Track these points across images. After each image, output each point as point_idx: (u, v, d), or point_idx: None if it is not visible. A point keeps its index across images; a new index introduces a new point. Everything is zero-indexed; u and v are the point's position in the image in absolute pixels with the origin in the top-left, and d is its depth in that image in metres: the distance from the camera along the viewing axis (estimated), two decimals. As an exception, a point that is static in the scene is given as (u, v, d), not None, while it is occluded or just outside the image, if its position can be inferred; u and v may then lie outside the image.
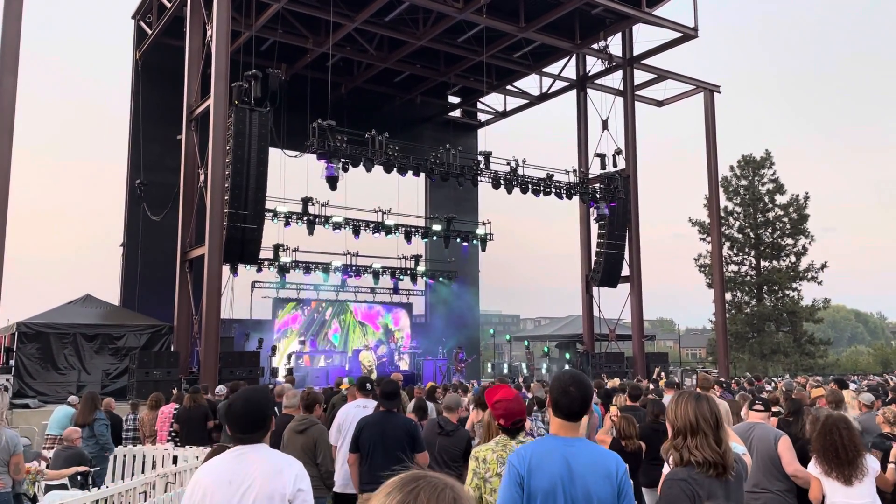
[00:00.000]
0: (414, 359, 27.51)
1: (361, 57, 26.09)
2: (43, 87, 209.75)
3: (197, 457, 8.20)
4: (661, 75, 27.87)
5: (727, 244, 40.39)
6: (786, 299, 40.44)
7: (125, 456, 8.91)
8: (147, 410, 10.94)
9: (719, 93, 28.64)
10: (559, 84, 29.59)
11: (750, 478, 5.20)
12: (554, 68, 28.87)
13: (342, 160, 19.51)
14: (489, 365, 38.86)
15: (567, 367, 25.64)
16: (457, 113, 33.27)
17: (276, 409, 6.19)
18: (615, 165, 25.80)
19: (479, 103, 32.89)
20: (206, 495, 2.91)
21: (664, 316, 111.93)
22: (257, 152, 17.56)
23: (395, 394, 6.07)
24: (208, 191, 17.22)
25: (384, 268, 29.13)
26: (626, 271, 26.20)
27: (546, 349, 31.89)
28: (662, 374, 18.80)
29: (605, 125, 26.58)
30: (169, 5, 21.71)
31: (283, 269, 26.42)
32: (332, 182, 19.79)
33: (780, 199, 41.33)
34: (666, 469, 3.23)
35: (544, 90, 30.23)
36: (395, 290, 30.35)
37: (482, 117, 33.88)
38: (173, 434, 9.86)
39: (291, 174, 22.62)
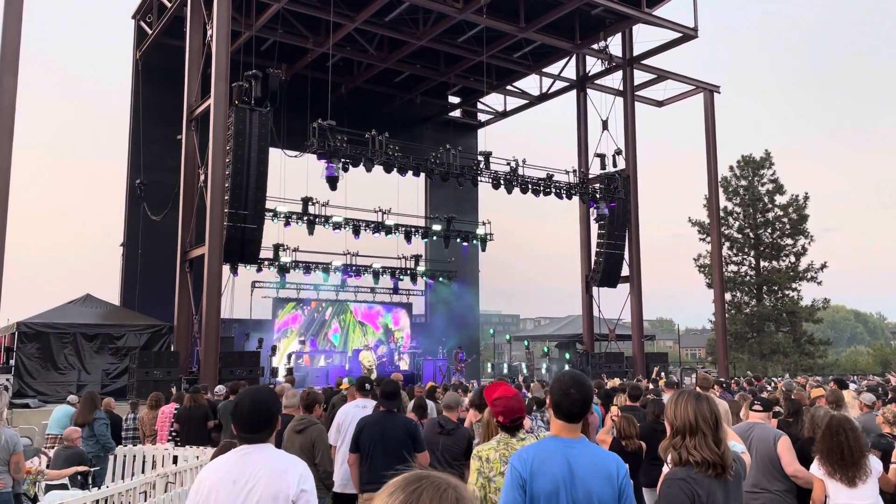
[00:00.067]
0: (414, 359, 27.52)
1: (361, 57, 26.09)
2: (43, 87, 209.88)
3: (197, 457, 8.20)
4: (661, 75, 27.88)
5: (727, 244, 40.41)
6: (785, 299, 40.45)
7: (125, 456, 8.91)
8: (147, 410, 10.94)
9: (719, 93, 28.66)
10: (559, 84, 29.61)
11: (749, 478, 5.21)
12: (554, 68, 28.89)
13: (342, 160, 19.51)
14: (489, 365, 38.86)
15: (567, 367, 25.65)
16: (457, 113, 33.27)
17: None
18: (615, 165, 25.81)
19: (479, 103, 32.90)
20: (211, 494, 2.92)
21: (664, 316, 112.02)
22: (257, 152, 17.56)
23: (395, 394, 6.08)
24: (208, 191, 17.22)
25: (384, 268, 29.14)
26: (625, 271, 26.22)
27: (546, 349, 31.91)
28: (662, 374, 18.80)
29: (604, 125, 26.60)
30: (169, 5, 21.71)
31: (283, 269, 26.43)
32: (332, 182, 19.80)
33: (780, 200, 41.37)
34: (665, 468, 3.23)
35: (544, 90, 30.24)
36: (395, 290, 30.36)
37: (482, 117, 33.89)
38: (174, 434, 9.87)
39: (291, 174, 22.66)
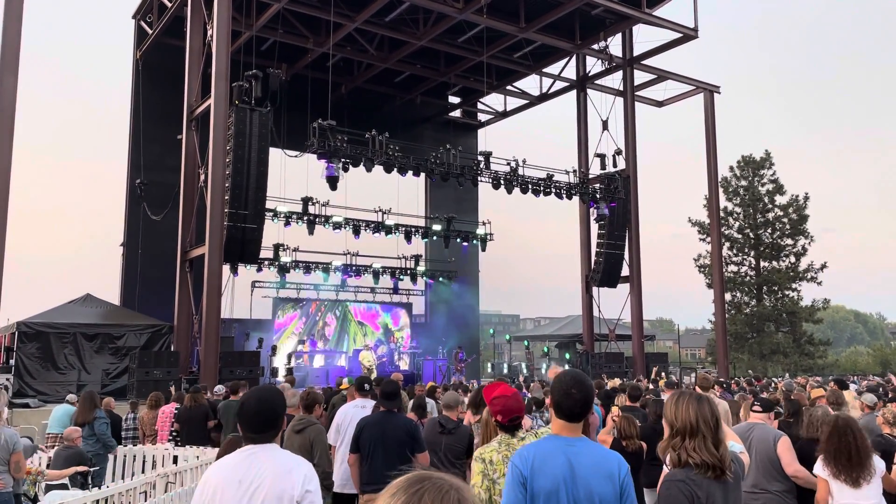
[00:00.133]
0: (414, 359, 27.52)
1: (362, 57, 26.09)
2: (43, 87, 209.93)
3: (197, 456, 8.20)
4: (661, 76, 27.89)
5: (727, 244, 40.40)
6: (785, 300, 40.44)
7: (125, 456, 8.92)
8: (146, 410, 10.95)
9: (719, 93, 28.66)
10: (559, 84, 29.61)
11: (749, 478, 5.21)
12: (554, 68, 28.89)
13: (342, 160, 19.52)
14: (489, 365, 38.86)
15: (567, 367, 25.64)
16: (457, 113, 33.27)
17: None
18: (615, 166, 25.81)
19: (479, 103, 32.90)
20: (217, 494, 2.92)
21: (664, 316, 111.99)
22: (258, 152, 17.56)
23: (395, 394, 6.08)
24: (208, 190, 17.22)
25: (384, 268, 29.14)
26: (625, 271, 26.22)
27: (546, 349, 31.91)
28: (662, 373, 18.80)
29: (605, 125, 26.60)
30: (169, 5, 21.71)
31: (283, 269, 26.44)
32: (333, 182, 19.80)
33: (780, 200, 41.34)
34: (664, 469, 3.23)
35: (544, 90, 30.24)
36: (395, 290, 30.37)
37: (482, 117, 33.89)
38: (174, 434, 9.87)
39: (292, 174, 22.65)
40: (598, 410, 8.67)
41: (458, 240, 27.88)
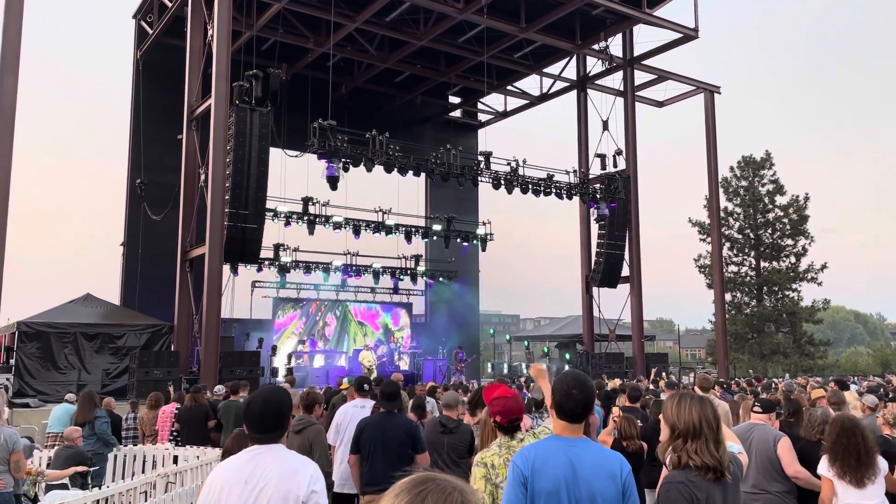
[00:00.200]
0: (414, 359, 27.52)
1: (362, 57, 26.10)
2: (44, 87, 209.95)
3: (197, 456, 8.20)
4: (662, 76, 27.89)
5: (727, 245, 40.38)
6: (785, 300, 40.43)
7: (125, 455, 8.92)
8: (146, 410, 10.94)
9: (719, 93, 28.65)
10: (560, 84, 29.61)
11: (749, 478, 5.21)
12: (554, 69, 28.89)
13: (342, 160, 19.52)
14: (489, 365, 38.89)
15: (567, 367, 25.65)
16: (457, 113, 33.28)
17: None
18: (615, 166, 25.80)
19: (479, 103, 32.90)
20: (223, 494, 2.92)
21: (664, 316, 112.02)
22: (258, 152, 17.56)
23: (395, 395, 6.08)
24: (209, 190, 17.22)
25: (384, 268, 29.14)
26: (626, 271, 26.22)
27: (546, 349, 31.90)
28: (663, 373, 18.79)
29: (605, 125, 26.59)
30: (170, 5, 21.71)
31: (283, 269, 26.44)
32: (333, 182, 19.81)
33: (780, 200, 41.33)
34: (664, 471, 3.23)
35: (545, 90, 30.25)
36: (396, 290, 30.37)
37: (482, 117, 33.89)
38: (175, 434, 9.87)
39: (292, 174, 22.66)
40: (598, 411, 8.67)
41: (459, 240, 27.88)
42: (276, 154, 19.09)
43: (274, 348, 24.53)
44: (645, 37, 35.22)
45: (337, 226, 24.81)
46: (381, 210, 26.06)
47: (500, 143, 50.06)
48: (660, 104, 30.09)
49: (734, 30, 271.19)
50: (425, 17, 23.46)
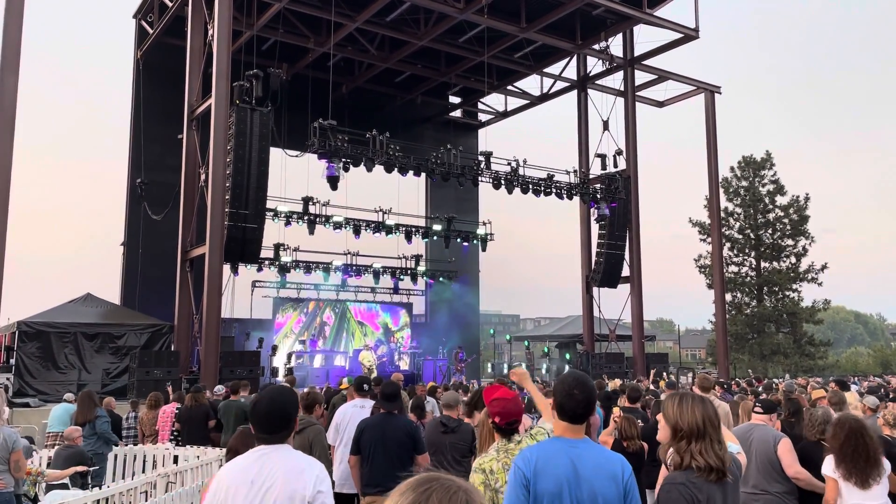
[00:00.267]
0: (414, 359, 27.52)
1: (362, 57, 26.10)
2: (44, 87, 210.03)
3: (198, 456, 8.20)
4: (662, 76, 27.89)
5: (727, 245, 40.38)
6: (786, 300, 40.43)
7: (126, 455, 8.92)
8: (146, 410, 10.95)
9: (720, 93, 28.64)
10: (560, 84, 29.61)
11: (749, 479, 5.21)
12: (555, 69, 28.89)
13: (343, 160, 19.52)
14: (489, 365, 38.88)
15: (567, 367, 25.65)
16: (457, 113, 33.28)
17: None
18: (616, 166, 25.79)
19: (479, 103, 32.90)
20: (229, 494, 2.93)
21: (664, 316, 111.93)
22: (258, 152, 17.56)
23: (395, 395, 6.07)
24: (209, 190, 17.22)
25: (384, 267, 29.15)
26: (626, 272, 26.21)
27: (546, 349, 31.89)
28: (664, 374, 18.78)
29: (605, 126, 26.59)
30: (170, 5, 21.72)
31: (283, 269, 26.45)
32: (333, 182, 19.81)
33: (781, 200, 41.33)
34: (664, 471, 3.22)
35: (545, 90, 30.25)
36: (396, 290, 30.38)
37: (483, 117, 33.89)
38: (175, 434, 9.88)
39: (292, 174, 22.67)
40: (598, 411, 8.67)
41: (459, 240, 27.89)
42: (276, 154, 19.11)
43: (274, 348, 24.54)
44: (645, 37, 35.21)
45: (337, 226, 24.82)
46: (381, 210, 26.07)
47: (500, 143, 50.05)
48: (660, 104, 30.09)
49: (734, 30, 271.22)
50: (426, 17, 23.46)
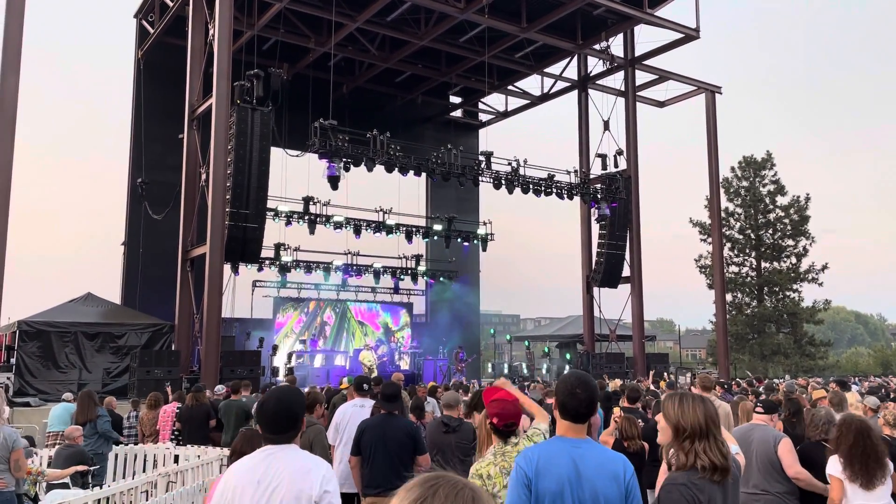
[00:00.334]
0: (414, 358, 27.53)
1: (363, 57, 26.10)
2: (45, 86, 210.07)
3: (198, 456, 8.21)
4: (663, 76, 27.88)
5: (728, 245, 40.35)
6: (786, 300, 40.40)
7: (126, 455, 8.92)
8: (146, 410, 10.95)
9: (720, 94, 28.64)
10: (561, 84, 29.61)
11: (749, 479, 5.21)
12: (555, 69, 28.89)
13: (343, 160, 19.52)
14: (490, 365, 38.85)
15: (567, 367, 25.67)
16: (458, 113, 33.28)
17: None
18: (616, 166, 25.79)
19: (480, 103, 32.90)
20: (236, 494, 2.94)
21: (664, 316, 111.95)
22: (259, 151, 17.57)
23: (395, 396, 6.08)
24: (210, 190, 17.23)
25: (385, 267, 29.15)
26: (626, 272, 26.21)
27: (546, 349, 31.90)
28: (664, 374, 18.78)
29: (606, 126, 26.59)
30: (171, 4, 21.72)
31: (284, 269, 26.45)
32: (334, 181, 19.81)
33: (781, 201, 41.28)
34: (663, 471, 3.21)
35: (546, 90, 30.24)
36: (396, 290, 30.38)
37: (483, 117, 33.89)
38: (176, 433, 9.89)
39: (293, 173, 22.69)
40: (598, 411, 8.67)
41: (459, 240, 27.89)
42: (276, 154, 19.12)
43: (275, 348, 24.55)
44: (646, 37, 35.14)
45: (338, 225, 24.83)
46: (381, 210, 26.07)
47: (500, 142, 50.16)
48: (661, 104, 30.09)
49: (734, 30, 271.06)
50: (426, 16, 23.46)
